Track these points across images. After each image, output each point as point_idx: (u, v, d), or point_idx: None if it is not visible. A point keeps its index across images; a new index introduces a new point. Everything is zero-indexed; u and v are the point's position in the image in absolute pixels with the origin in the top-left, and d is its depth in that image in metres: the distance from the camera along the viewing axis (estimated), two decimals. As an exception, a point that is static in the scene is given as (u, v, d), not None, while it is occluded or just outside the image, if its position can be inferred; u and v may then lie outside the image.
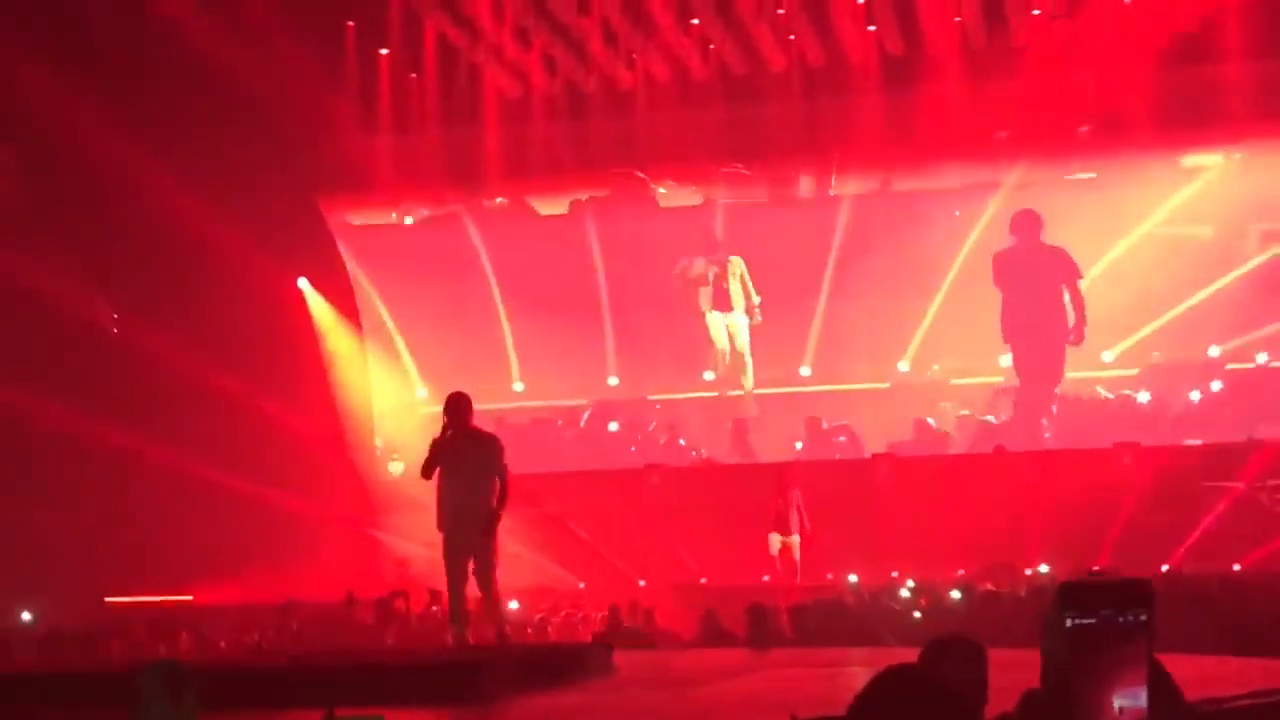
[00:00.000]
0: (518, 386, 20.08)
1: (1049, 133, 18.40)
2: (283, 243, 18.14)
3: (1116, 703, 2.67)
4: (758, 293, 19.38)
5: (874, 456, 17.69)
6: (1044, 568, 14.43)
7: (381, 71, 19.52)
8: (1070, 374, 18.27)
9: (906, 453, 17.94)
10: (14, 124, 17.42)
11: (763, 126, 19.45)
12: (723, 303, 19.47)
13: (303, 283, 19.32)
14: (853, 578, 15.28)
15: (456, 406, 10.90)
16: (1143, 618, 2.74)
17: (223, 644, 13.83)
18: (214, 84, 16.93)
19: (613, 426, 19.81)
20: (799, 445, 19.10)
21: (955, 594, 13.63)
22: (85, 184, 17.34)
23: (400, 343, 20.15)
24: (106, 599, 16.63)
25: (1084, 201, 19.13)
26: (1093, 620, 2.69)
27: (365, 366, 19.68)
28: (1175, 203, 19.00)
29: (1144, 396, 18.66)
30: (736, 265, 19.47)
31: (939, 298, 18.98)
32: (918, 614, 13.52)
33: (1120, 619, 2.72)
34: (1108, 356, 18.96)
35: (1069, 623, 2.70)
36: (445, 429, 10.84)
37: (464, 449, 10.77)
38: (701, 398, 20.01)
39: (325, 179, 19.17)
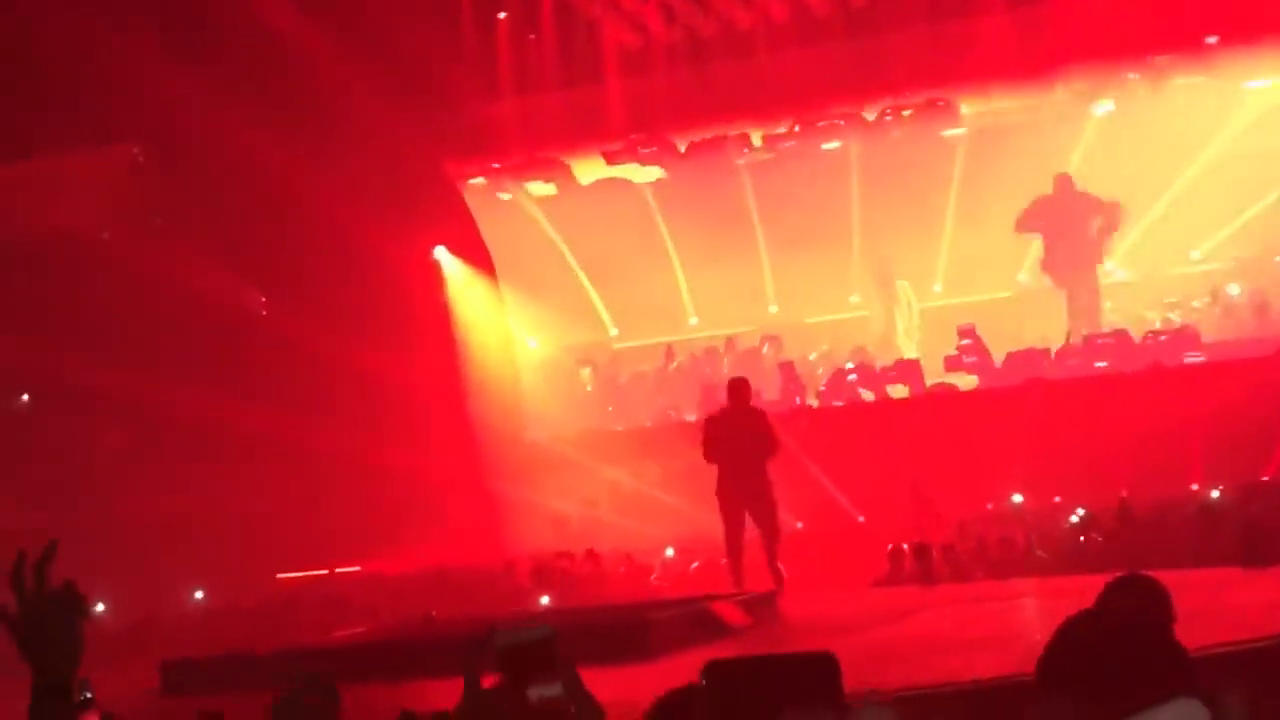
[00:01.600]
0: (693, 320, 20.16)
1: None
2: (416, 213, 18.26)
3: None
4: None
5: (1027, 381, 17.31)
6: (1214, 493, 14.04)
7: (500, 35, 19.53)
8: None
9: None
10: (139, 120, 17.71)
11: (887, 58, 19.07)
12: None
13: (440, 251, 19.43)
14: (1017, 497, 15.06)
15: (736, 389, 12.83)
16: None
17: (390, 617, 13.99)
18: (334, 62, 17.06)
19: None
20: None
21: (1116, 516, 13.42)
22: (215, 173, 17.61)
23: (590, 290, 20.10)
24: (278, 575, 16.95)
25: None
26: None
27: (507, 329, 19.77)
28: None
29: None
30: None
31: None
32: (1082, 538, 13.30)
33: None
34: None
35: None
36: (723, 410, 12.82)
37: (739, 426, 12.53)
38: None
39: (453, 145, 19.21)
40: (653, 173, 20.27)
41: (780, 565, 12.68)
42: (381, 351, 16.89)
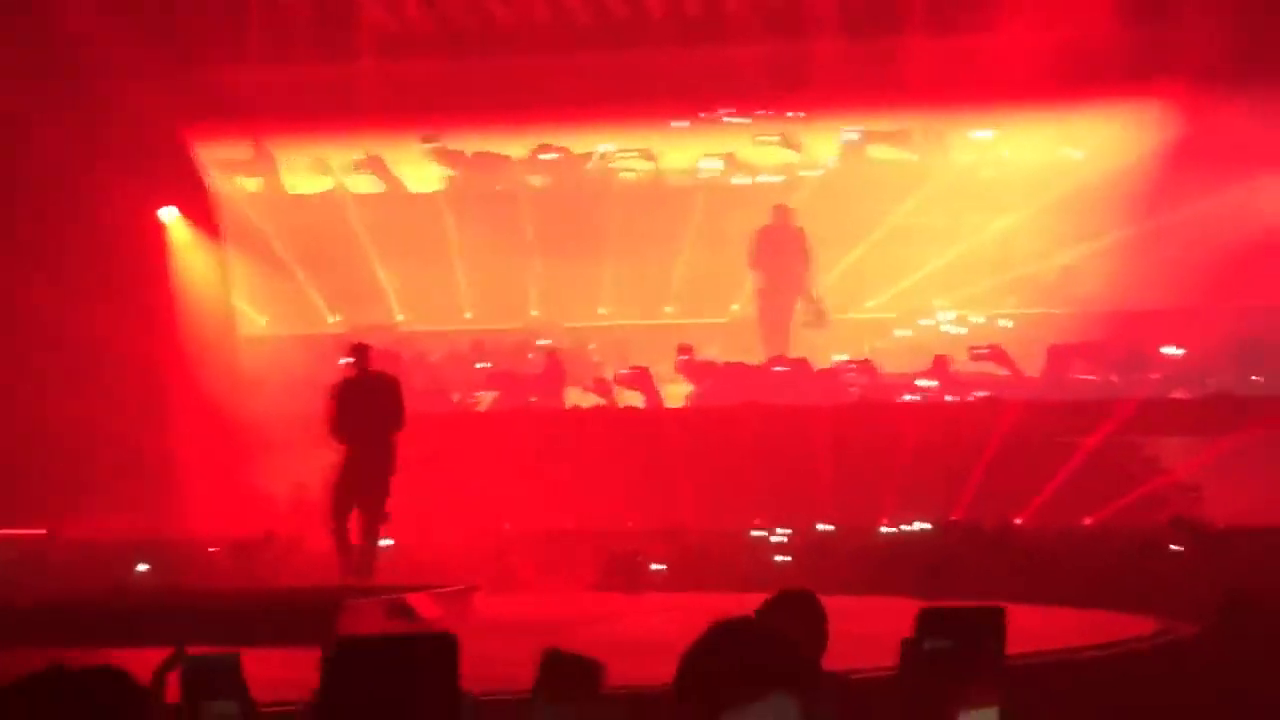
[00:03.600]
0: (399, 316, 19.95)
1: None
2: (145, 171, 17.77)
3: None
4: None
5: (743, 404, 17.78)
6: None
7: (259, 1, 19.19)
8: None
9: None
10: None
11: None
12: None
13: (166, 213, 18.91)
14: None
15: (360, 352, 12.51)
16: (996, 642, 2.80)
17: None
18: (72, 18, 16.55)
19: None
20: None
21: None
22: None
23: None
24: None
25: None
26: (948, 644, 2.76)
27: (229, 298, 19.37)
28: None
29: None
30: None
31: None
32: (780, 558, 13.78)
33: (975, 644, 2.79)
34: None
35: (926, 645, 2.77)
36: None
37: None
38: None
39: (193, 110, 18.76)
40: (368, 184, 20.24)
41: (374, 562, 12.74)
42: (92, 309, 16.38)
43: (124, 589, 12.90)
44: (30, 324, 16.46)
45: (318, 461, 17.11)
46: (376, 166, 20.38)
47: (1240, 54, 17.40)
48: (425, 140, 20.34)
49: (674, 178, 20.31)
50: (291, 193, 20.49)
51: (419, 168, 20.49)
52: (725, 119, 20.08)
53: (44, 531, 15.93)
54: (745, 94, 19.61)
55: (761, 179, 20.09)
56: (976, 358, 18.07)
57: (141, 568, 13.72)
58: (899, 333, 19.21)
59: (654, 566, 13.92)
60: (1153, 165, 18.10)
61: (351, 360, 13.05)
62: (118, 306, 16.89)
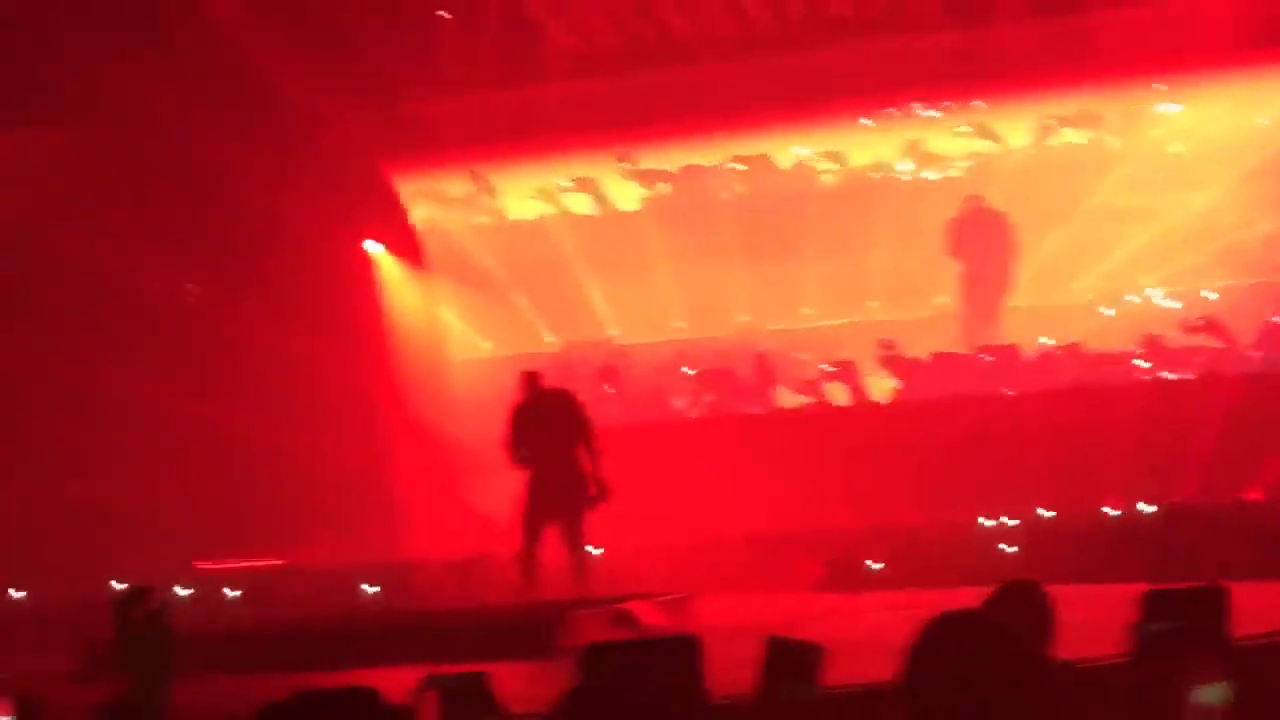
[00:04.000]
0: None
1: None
2: (349, 206, 18.28)
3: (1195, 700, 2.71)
4: None
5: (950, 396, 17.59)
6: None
7: (442, 32, 19.60)
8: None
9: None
10: (67, 107, 17.63)
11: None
12: None
13: (370, 244, 19.44)
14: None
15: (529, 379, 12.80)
16: (1220, 623, 2.77)
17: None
18: (273, 52, 17.08)
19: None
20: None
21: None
22: (147, 160, 17.55)
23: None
24: (196, 563, 16.90)
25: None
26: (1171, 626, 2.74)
27: (438, 326, 19.84)
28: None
29: None
30: None
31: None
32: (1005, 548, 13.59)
33: (1199, 625, 2.76)
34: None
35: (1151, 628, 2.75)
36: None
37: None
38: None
39: (392, 142, 19.25)
40: (583, 204, 20.68)
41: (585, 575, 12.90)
42: (310, 343, 16.89)
43: (355, 612, 13.27)
44: (249, 360, 17.03)
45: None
46: (589, 187, 20.80)
47: None
48: (620, 159, 20.59)
49: (867, 175, 20.28)
50: (511, 218, 20.96)
51: (621, 186, 20.81)
52: (916, 111, 19.99)
53: (278, 562, 16.45)
54: (931, 84, 19.45)
55: (953, 171, 19.95)
56: (1190, 330, 17.61)
57: (369, 590, 14.10)
58: (1105, 311, 18.88)
59: (872, 565, 13.85)
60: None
61: (524, 386, 13.29)
62: (333, 339, 17.41)
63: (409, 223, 19.66)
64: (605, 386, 18.65)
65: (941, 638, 3.01)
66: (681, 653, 2.90)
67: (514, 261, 20.14)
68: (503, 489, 17.25)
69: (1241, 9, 16.90)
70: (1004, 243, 18.35)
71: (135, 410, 16.92)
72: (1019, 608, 5.10)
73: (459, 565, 14.79)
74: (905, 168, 20.18)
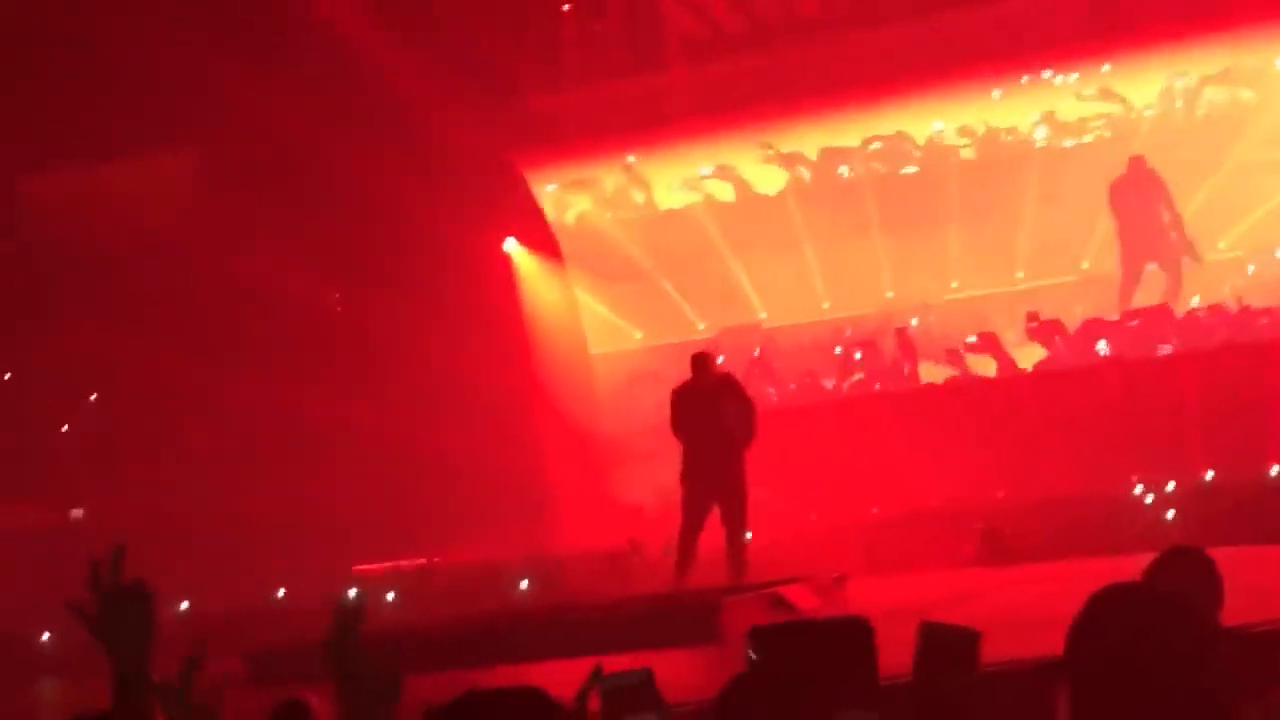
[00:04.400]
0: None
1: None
2: (485, 206, 18.44)
3: None
4: None
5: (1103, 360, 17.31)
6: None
7: (564, 24, 19.70)
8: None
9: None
10: (212, 121, 18.00)
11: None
12: None
13: (510, 243, 19.59)
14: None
15: (698, 362, 12.51)
16: None
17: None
18: (400, 57, 17.29)
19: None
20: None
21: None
22: (289, 171, 17.85)
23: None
24: (355, 568, 17.15)
25: None
26: None
27: (578, 320, 19.97)
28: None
29: None
30: None
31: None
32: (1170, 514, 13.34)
33: None
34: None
35: None
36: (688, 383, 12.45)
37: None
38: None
39: (520, 138, 19.36)
40: (724, 191, 20.85)
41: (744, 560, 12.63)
42: (454, 345, 17.08)
43: (510, 608, 13.38)
44: (395, 364, 17.25)
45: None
46: (728, 174, 20.96)
47: None
48: (761, 145, 20.61)
49: (1002, 144, 20.03)
50: (661, 209, 21.20)
51: (761, 171, 20.90)
52: (1047, 78, 19.72)
53: (424, 561, 16.64)
54: (1060, 48, 19.16)
55: (1088, 136, 19.65)
56: None
57: (523, 585, 14.19)
58: (1253, 269, 18.44)
59: (1025, 537, 13.59)
60: None
61: (694, 368, 13.02)
62: (476, 337, 17.58)
63: (543, 219, 19.78)
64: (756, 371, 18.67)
65: (1106, 611, 2.93)
66: (850, 635, 2.86)
67: (663, 251, 20.40)
68: (650, 479, 17.37)
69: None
70: (1161, 203, 17.95)
71: (286, 419, 17.24)
72: (1183, 575, 4.99)
73: (610, 556, 14.82)
74: (1041, 135, 19.91)
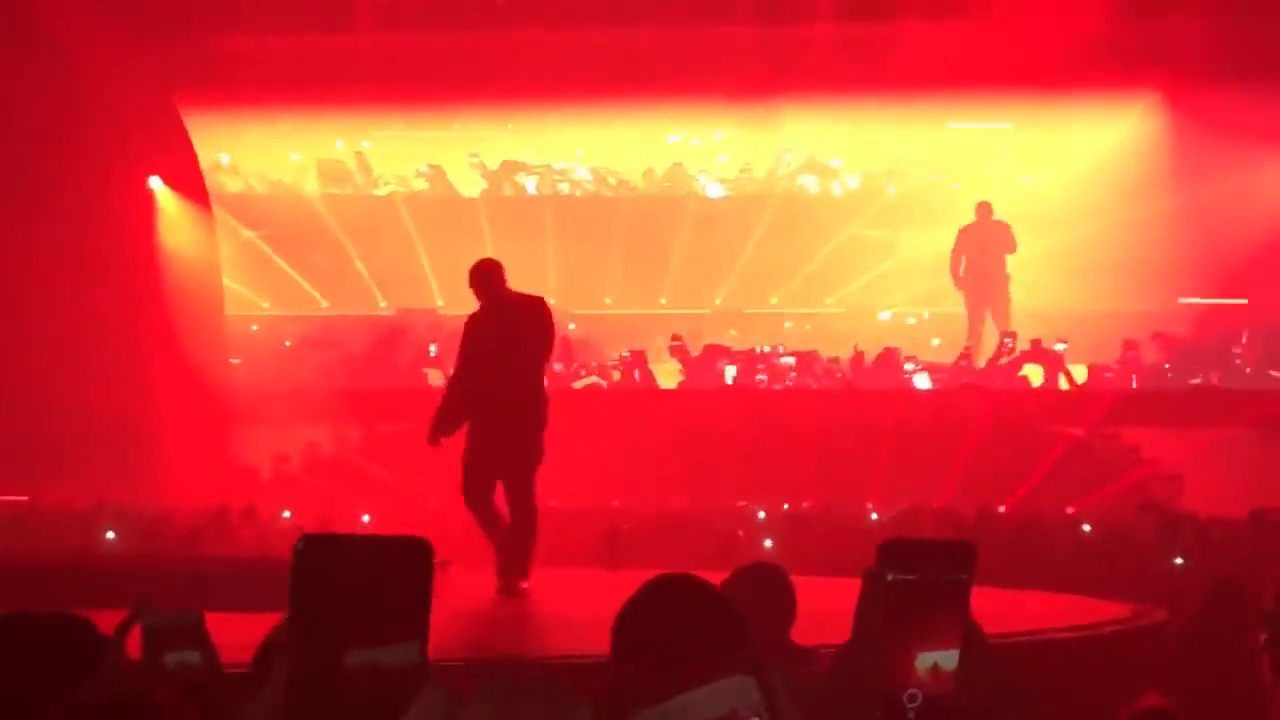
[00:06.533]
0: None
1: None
2: (134, 140, 17.69)
3: (925, 662, 2.65)
4: None
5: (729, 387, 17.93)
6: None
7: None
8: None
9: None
10: None
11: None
12: None
13: (154, 182, 18.84)
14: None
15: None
16: (964, 577, 2.70)
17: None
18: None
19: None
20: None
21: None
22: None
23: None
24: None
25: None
26: (914, 578, 2.66)
27: (217, 271, 19.39)
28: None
29: None
30: None
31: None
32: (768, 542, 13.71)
33: (941, 578, 2.69)
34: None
35: (889, 578, 2.66)
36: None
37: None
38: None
39: (185, 78, 18.64)
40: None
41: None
42: (79, 278, 16.29)
43: (92, 552, 12.83)
44: (13, 293, 16.33)
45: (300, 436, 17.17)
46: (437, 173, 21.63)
47: None
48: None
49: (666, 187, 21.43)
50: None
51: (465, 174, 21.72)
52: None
53: (25, 498, 15.85)
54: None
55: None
56: None
57: (110, 535, 13.62)
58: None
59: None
60: None
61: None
62: (103, 271, 16.82)
63: (195, 162, 19.12)
64: (431, 348, 18.85)
65: (647, 597, 2.94)
66: (410, 551, 2.71)
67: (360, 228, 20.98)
68: (268, 442, 16.99)
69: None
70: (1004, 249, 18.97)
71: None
72: (760, 589, 5.09)
73: (217, 515, 14.36)
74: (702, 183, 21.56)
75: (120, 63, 17.15)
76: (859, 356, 18.57)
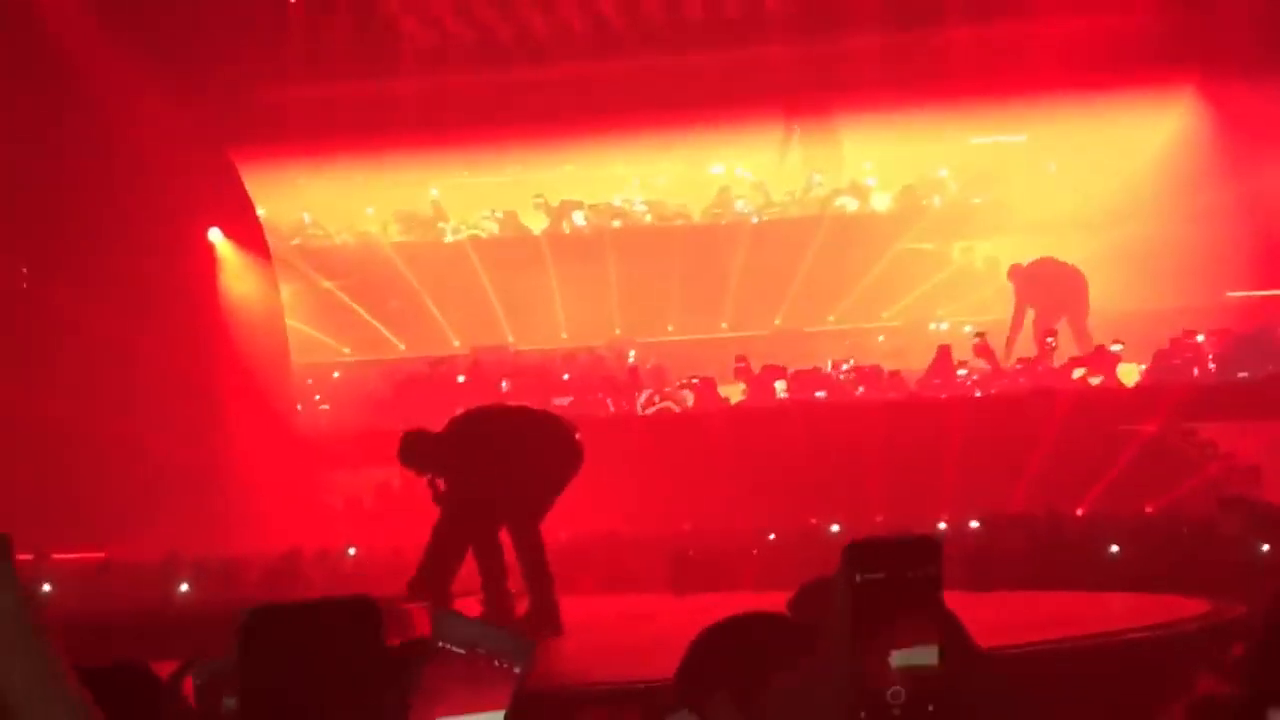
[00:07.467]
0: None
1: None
2: (194, 195, 17.92)
3: (901, 660, 2.65)
4: None
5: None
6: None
7: (292, 19, 19.31)
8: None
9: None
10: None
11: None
12: None
13: (214, 234, 19.10)
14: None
15: None
16: (933, 572, 2.71)
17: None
18: (110, 35, 16.70)
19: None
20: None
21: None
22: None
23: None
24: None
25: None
26: (880, 576, 2.66)
27: (280, 320, 19.61)
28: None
29: None
30: None
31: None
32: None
33: (909, 575, 2.69)
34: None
35: (857, 579, 2.67)
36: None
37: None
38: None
39: (238, 131, 18.89)
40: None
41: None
42: (145, 331, 16.49)
43: (169, 604, 12.96)
44: (83, 347, 16.54)
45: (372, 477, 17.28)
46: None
47: None
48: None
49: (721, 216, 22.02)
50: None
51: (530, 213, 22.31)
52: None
53: (102, 555, 16.00)
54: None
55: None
56: None
57: (184, 588, 13.72)
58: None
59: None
60: None
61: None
62: (166, 322, 17.02)
63: (253, 214, 19.36)
64: (503, 384, 19.30)
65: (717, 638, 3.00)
66: (358, 614, 2.71)
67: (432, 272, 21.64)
68: (342, 485, 17.12)
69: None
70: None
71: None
72: (824, 605, 5.07)
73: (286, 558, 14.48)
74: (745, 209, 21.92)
75: (174, 121, 17.39)
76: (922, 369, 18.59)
